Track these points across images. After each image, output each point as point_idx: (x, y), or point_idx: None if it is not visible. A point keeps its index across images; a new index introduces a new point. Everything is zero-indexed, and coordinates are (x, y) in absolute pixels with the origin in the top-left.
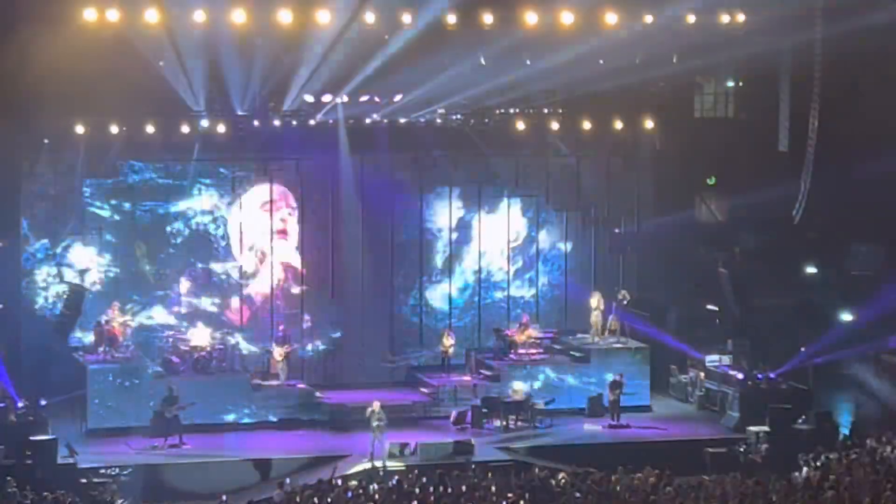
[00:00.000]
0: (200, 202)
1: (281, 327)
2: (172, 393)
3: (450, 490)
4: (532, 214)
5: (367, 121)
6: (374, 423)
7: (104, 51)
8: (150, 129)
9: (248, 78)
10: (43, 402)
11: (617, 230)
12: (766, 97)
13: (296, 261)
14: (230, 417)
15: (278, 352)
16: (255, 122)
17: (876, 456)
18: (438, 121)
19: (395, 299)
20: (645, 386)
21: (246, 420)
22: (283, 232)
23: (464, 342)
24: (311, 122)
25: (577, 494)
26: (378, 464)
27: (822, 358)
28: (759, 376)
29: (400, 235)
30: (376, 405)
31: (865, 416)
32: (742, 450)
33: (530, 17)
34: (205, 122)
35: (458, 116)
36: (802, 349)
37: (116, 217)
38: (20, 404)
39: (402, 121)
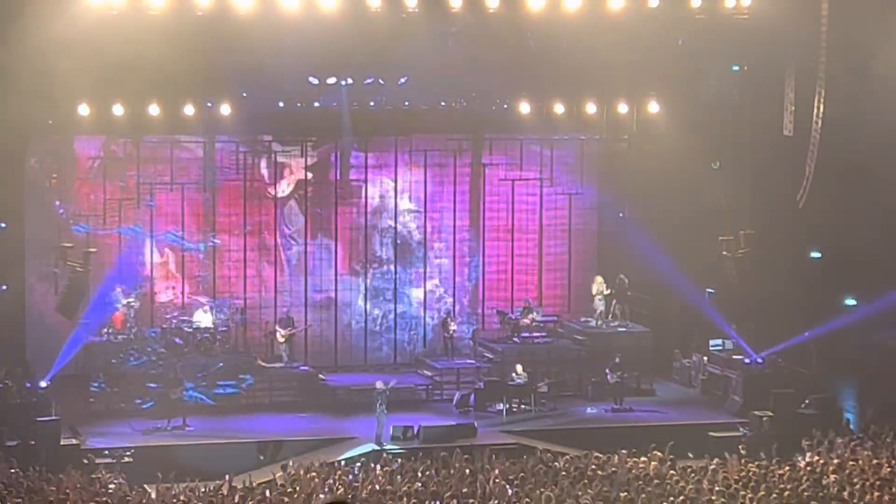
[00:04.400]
0: None
1: (285, 308)
2: (177, 374)
3: (453, 472)
4: (536, 198)
5: (371, 104)
6: (381, 404)
7: (109, 32)
8: (154, 109)
9: (254, 60)
10: (43, 384)
11: (621, 214)
12: (771, 82)
13: None
14: (233, 399)
15: (281, 333)
16: (261, 105)
17: (879, 440)
18: (441, 104)
19: None
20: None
21: (249, 402)
22: None
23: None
24: (315, 104)
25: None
26: (385, 445)
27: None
28: (760, 359)
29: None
30: (380, 385)
31: (869, 400)
32: (745, 434)
33: (535, 1)
34: (209, 104)
35: (462, 100)
36: (806, 333)
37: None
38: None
39: (406, 104)
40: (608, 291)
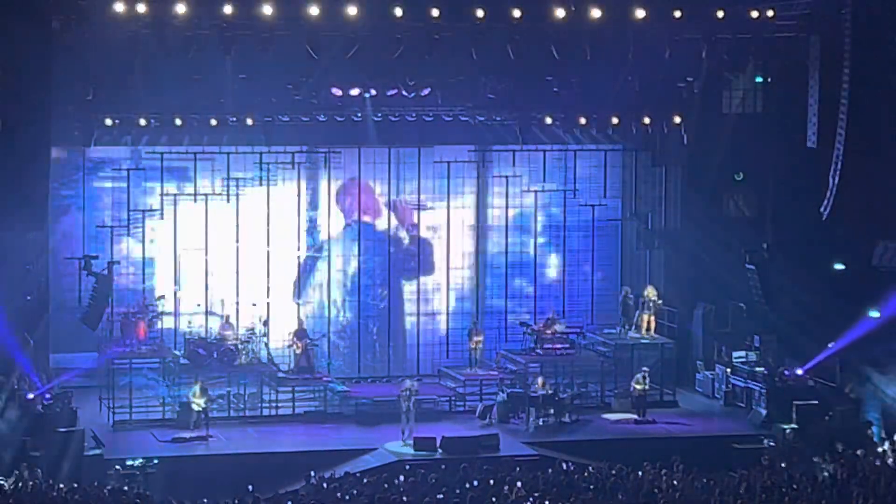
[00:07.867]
0: None
1: (303, 320)
2: (202, 385)
3: (476, 484)
4: (559, 209)
5: (395, 116)
6: (407, 404)
7: (135, 43)
8: (178, 121)
9: (277, 72)
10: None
11: (645, 226)
12: (795, 93)
13: None
14: (256, 410)
15: (298, 345)
16: (285, 118)
17: None
18: (464, 117)
19: None
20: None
21: (272, 413)
22: None
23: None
24: (339, 117)
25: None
26: (405, 453)
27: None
28: (787, 372)
29: None
30: (409, 383)
31: (893, 411)
32: (768, 446)
33: (558, 12)
34: (233, 116)
35: (485, 111)
36: (830, 345)
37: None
38: (47, 395)
39: (430, 116)
40: (631, 302)
